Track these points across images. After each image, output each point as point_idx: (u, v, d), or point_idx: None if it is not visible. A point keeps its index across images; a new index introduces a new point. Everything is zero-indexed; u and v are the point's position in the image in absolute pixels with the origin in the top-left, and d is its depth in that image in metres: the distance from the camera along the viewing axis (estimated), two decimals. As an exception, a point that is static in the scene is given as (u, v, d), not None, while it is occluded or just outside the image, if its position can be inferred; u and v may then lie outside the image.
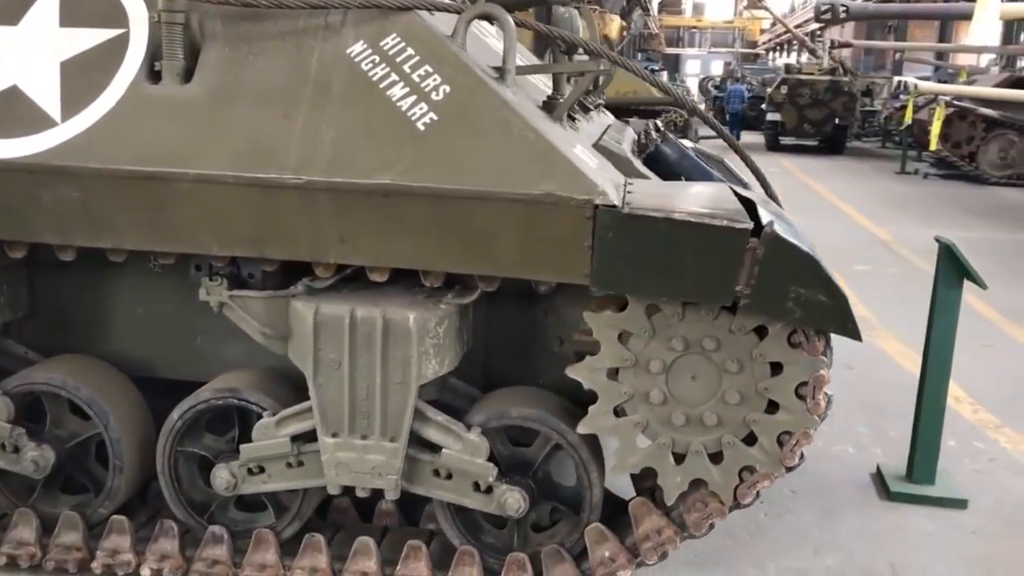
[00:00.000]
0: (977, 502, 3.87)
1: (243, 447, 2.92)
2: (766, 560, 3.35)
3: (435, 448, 2.87)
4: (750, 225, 2.39)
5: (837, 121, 20.52)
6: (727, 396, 2.68)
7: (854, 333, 2.53)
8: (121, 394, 3.13)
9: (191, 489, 3.12)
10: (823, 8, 10.03)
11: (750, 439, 2.73)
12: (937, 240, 3.89)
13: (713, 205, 2.57)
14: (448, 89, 2.53)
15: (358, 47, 2.61)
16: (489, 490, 2.87)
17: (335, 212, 2.52)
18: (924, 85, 15.10)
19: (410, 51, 2.58)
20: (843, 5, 10.08)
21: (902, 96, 15.78)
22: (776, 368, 2.65)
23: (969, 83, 18.20)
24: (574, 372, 2.75)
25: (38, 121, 2.60)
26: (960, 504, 3.84)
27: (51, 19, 2.71)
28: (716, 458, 2.75)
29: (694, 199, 2.67)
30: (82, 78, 2.64)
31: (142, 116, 2.59)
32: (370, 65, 2.58)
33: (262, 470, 2.96)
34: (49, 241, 2.72)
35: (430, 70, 2.56)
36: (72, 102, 2.62)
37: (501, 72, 2.68)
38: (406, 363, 2.73)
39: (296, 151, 2.51)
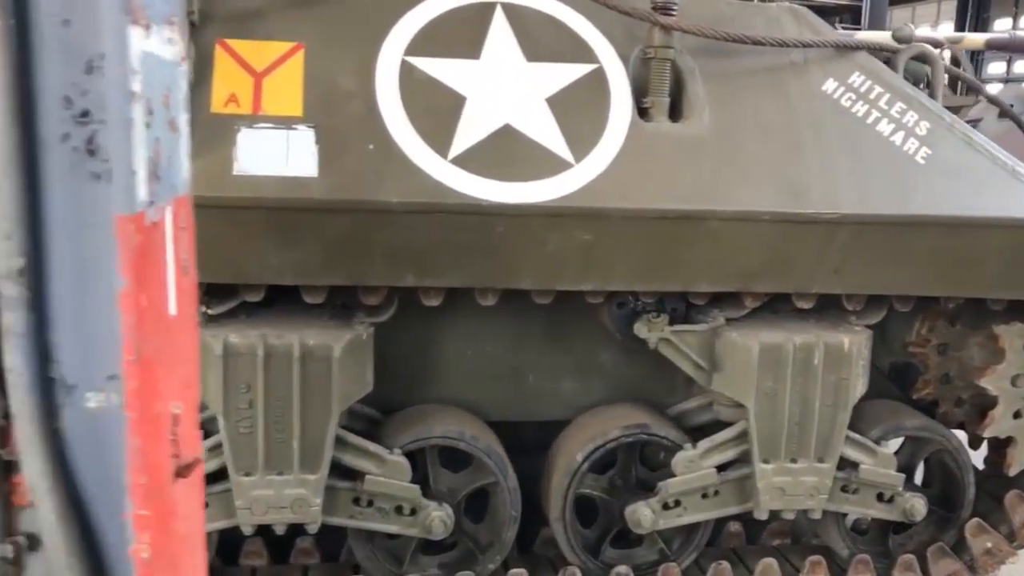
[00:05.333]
0: None
1: (666, 482, 2.89)
2: None
3: (842, 464, 3.00)
4: None
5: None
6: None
7: None
8: (497, 443, 2.98)
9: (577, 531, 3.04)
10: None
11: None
12: None
13: None
14: (928, 125, 2.69)
15: (831, 84, 2.69)
16: (891, 499, 3.05)
17: (846, 244, 2.60)
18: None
19: (878, 89, 2.71)
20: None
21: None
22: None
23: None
24: (986, 381, 2.99)
25: (552, 163, 2.45)
26: None
27: (514, 54, 2.56)
28: (1087, 448, 3.11)
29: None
30: (575, 116, 2.51)
31: (652, 154, 2.51)
32: (849, 102, 2.68)
33: (678, 503, 2.95)
34: (526, 287, 2.57)
35: (904, 107, 2.70)
36: (577, 142, 2.49)
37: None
38: (842, 385, 2.84)
39: (818, 186, 2.55)
